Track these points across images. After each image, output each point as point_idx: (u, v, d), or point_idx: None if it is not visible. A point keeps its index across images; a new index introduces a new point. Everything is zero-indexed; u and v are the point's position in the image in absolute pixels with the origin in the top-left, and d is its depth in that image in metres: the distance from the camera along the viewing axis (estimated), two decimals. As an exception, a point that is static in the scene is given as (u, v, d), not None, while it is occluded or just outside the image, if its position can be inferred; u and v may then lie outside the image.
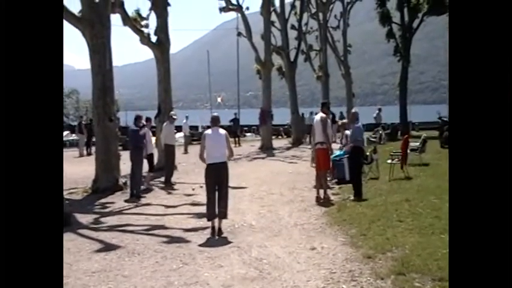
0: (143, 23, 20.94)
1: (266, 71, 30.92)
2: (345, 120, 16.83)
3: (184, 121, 31.50)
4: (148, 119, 15.93)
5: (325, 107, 12.91)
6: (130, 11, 20.55)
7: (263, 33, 31.42)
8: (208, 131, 9.61)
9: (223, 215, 9.45)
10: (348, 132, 15.04)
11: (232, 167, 17.18)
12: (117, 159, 15.38)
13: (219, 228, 9.32)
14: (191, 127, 35.26)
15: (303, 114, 35.79)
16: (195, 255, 8.01)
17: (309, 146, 19.56)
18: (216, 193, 9.46)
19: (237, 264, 7.39)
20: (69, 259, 7.96)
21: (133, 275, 7.10)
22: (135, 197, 13.74)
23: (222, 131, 9.60)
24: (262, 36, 31.51)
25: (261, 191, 14.25)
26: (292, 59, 34.37)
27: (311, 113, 33.05)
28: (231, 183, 13.83)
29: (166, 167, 16.53)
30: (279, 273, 6.85)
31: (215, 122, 9.72)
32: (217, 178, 9.39)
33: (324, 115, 12.47)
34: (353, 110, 13.55)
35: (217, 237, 9.16)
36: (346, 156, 13.78)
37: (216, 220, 9.38)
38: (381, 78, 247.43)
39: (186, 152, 27.50)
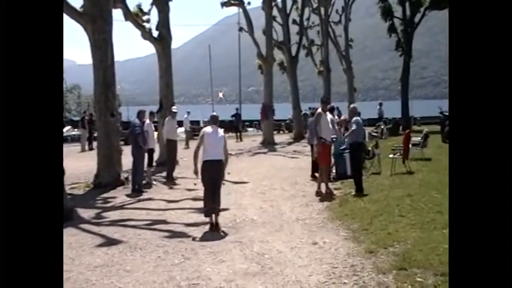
0: (145, 18, 20.96)
1: (268, 66, 30.88)
2: (343, 118, 16.75)
3: (186, 116, 31.53)
4: (152, 113, 15.99)
5: (322, 103, 12.95)
6: (132, 6, 20.57)
7: (265, 28, 31.37)
8: (208, 129, 9.61)
9: (217, 212, 9.50)
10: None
11: (233, 162, 17.29)
12: (119, 154, 15.39)
13: (216, 223, 9.36)
14: (192, 122, 35.28)
15: (305, 112, 35.65)
16: (197, 250, 8.03)
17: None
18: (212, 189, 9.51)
19: (238, 259, 7.40)
20: (71, 254, 7.98)
21: (135, 270, 7.12)
22: (137, 191, 13.76)
23: (221, 132, 9.68)
24: (264, 31, 31.45)
25: (263, 186, 14.26)
26: (293, 53, 34.33)
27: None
28: (232, 178, 13.85)
29: (168, 162, 16.55)
30: (281, 268, 6.86)
31: (215, 121, 9.80)
32: (213, 175, 9.43)
33: (318, 111, 12.58)
34: (351, 106, 13.55)
35: (214, 231, 9.20)
36: (347, 151, 13.77)
37: (213, 215, 9.42)
38: (383, 73, 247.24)
39: (187, 146, 27.47)
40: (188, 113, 32.20)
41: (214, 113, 10.17)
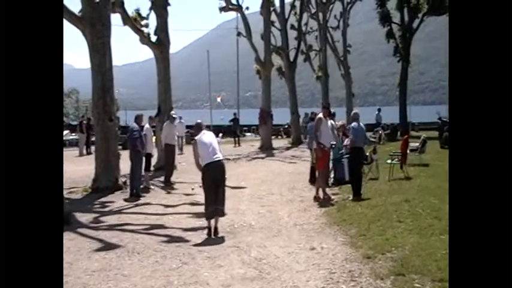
0: (143, 22, 20.97)
1: (266, 71, 30.87)
2: (341, 123, 16.73)
3: (178, 121, 31.37)
4: (150, 118, 16.05)
5: (323, 108, 12.94)
6: (131, 11, 20.59)
7: (263, 33, 31.42)
8: (197, 138, 9.50)
9: (221, 213, 9.42)
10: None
11: (231, 167, 17.34)
12: (117, 159, 15.37)
13: (215, 228, 9.32)
14: (190, 127, 35.11)
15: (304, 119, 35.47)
16: (195, 254, 8.02)
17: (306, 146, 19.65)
18: (214, 193, 9.40)
19: (236, 264, 7.39)
20: (69, 258, 7.96)
21: (133, 274, 7.11)
22: (135, 196, 13.75)
23: (209, 132, 9.67)
24: (262, 36, 31.51)
25: (261, 191, 14.25)
26: (291, 59, 34.33)
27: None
28: (230, 183, 13.84)
29: (166, 167, 16.54)
30: (279, 273, 6.85)
31: (200, 128, 9.69)
32: (217, 176, 9.31)
33: (318, 116, 12.56)
34: (353, 112, 13.55)
35: (213, 235, 9.17)
36: (346, 156, 13.78)
37: (212, 220, 9.36)
38: (381, 78, 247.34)
39: (181, 152, 27.33)
40: (180, 118, 32.08)
41: (198, 120, 10.08)
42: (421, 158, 16.80)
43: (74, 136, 34.37)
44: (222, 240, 8.92)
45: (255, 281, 6.58)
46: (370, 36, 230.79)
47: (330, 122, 12.85)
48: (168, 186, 15.63)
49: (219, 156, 9.36)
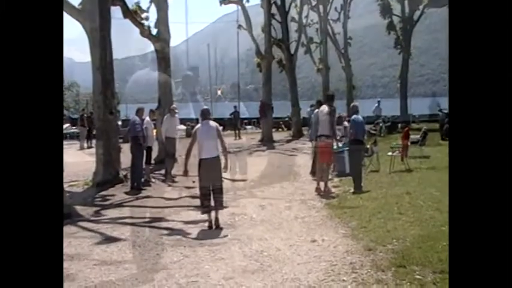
0: (143, 15, 20.86)
1: (266, 63, 30.82)
2: (343, 114, 16.74)
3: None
4: (152, 111, 16.06)
5: (329, 100, 12.84)
6: (131, 4, 20.50)
7: (263, 25, 31.34)
8: (199, 126, 9.49)
9: (220, 206, 9.45)
10: (346, 123, 14.94)
11: (232, 159, 17.34)
12: (118, 152, 15.36)
13: (217, 218, 9.32)
14: (190, 120, 35.09)
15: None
16: (196, 247, 8.03)
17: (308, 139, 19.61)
18: (211, 187, 9.40)
19: (237, 257, 7.40)
20: (70, 251, 7.97)
21: (134, 268, 7.12)
22: (136, 189, 13.75)
23: (213, 123, 9.53)
24: (263, 28, 31.43)
25: (261, 184, 14.25)
26: (292, 51, 34.27)
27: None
28: (231, 176, 13.85)
29: (166, 160, 16.53)
30: (280, 265, 6.86)
31: (205, 115, 9.65)
32: (210, 173, 9.32)
33: (337, 112, 12.50)
34: (352, 104, 13.53)
35: (214, 227, 9.18)
36: (346, 148, 13.76)
37: (212, 213, 9.37)
38: (382, 70, 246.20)
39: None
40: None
41: (205, 107, 10.06)
42: (421, 150, 16.78)
43: (75, 129, 34.38)
44: (223, 233, 8.93)
45: (256, 273, 6.60)
46: (371, 28, 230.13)
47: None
48: (168, 179, 15.63)
49: (214, 152, 9.34)
